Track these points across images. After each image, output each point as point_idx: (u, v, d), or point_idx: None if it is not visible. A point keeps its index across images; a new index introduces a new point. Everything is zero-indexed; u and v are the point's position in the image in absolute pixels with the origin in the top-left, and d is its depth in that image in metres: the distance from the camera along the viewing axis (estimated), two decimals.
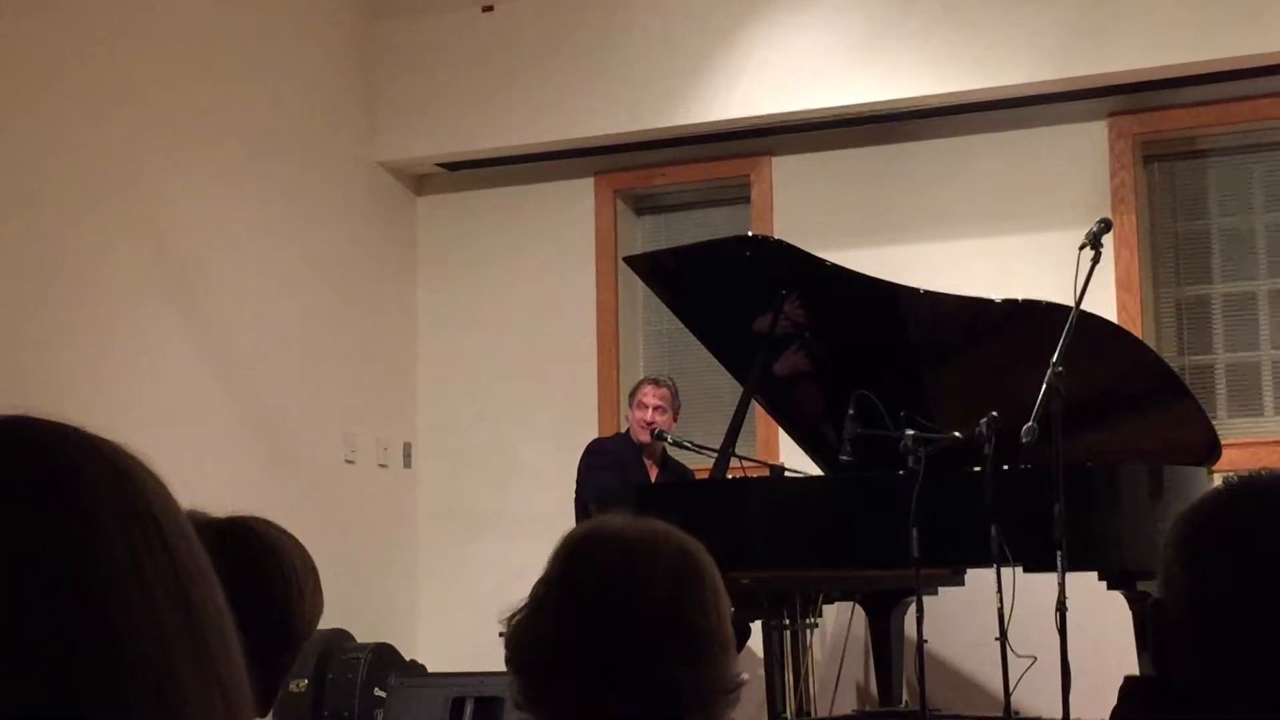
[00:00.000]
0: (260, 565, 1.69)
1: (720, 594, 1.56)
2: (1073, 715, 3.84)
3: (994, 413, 4.04)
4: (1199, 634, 1.28)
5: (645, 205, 6.89)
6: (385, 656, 5.81)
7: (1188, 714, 1.29)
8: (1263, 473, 1.33)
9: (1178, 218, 6.04)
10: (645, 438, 5.60)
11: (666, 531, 1.57)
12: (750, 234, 5.78)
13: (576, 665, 1.50)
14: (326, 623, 6.36)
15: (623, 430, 5.90)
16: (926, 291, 4.73)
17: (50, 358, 4.97)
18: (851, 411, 4.50)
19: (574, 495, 5.60)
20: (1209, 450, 4.60)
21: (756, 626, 5.03)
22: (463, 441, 6.77)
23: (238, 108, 5.92)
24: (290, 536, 1.78)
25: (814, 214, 6.27)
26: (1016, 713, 4.12)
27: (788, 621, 4.86)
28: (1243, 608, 1.26)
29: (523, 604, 1.57)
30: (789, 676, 4.88)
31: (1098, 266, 4.15)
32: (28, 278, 4.95)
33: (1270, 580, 1.26)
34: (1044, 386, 3.92)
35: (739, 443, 4.94)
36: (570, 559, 1.56)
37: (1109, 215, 4.94)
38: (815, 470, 5.28)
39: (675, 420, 5.67)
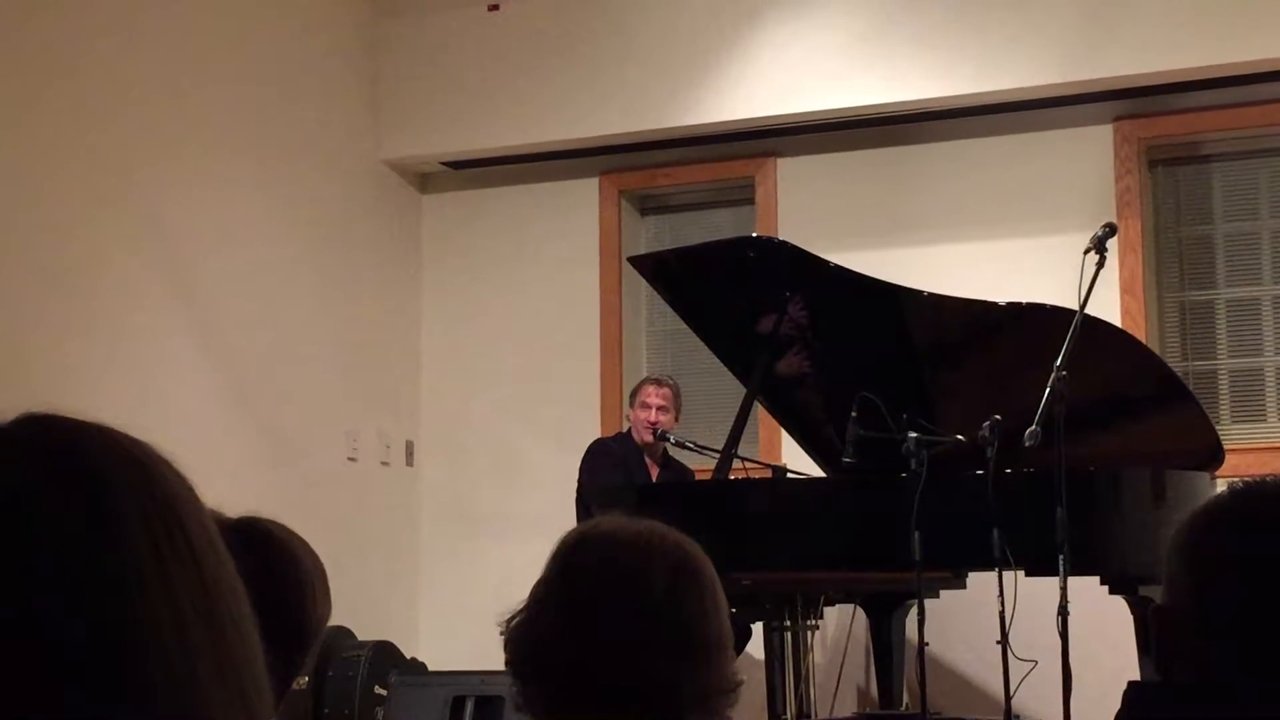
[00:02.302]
0: (275, 566, 1.69)
1: (717, 593, 1.56)
2: None
3: (997, 416, 4.04)
4: (1202, 638, 1.28)
5: (650, 205, 6.89)
6: (386, 654, 5.81)
7: (1191, 718, 1.29)
8: (1267, 479, 1.33)
9: (1182, 222, 6.03)
10: (647, 438, 5.59)
11: (663, 532, 1.57)
12: (754, 235, 5.78)
13: (575, 667, 1.50)
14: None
15: (624, 430, 5.90)
16: (930, 294, 4.72)
17: (54, 356, 4.97)
18: (854, 413, 4.49)
19: (575, 494, 5.60)
20: (1212, 455, 4.59)
21: (757, 628, 5.03)
22: (465, 440, 6.77)
23: (242, 106, 5.92)
24: (300, 538, 1.78)
25: (818, 215, 6.27)
26: (1017, 716, 4.11)
27: (789, 623, 4.86)
28: (1246, 613, 1.26)
29: (521, 606, 1.56)
30: (789, 678, 4.88)
31: (1102, 270, 4.15)
32: (31, 276, 4.95)
33: (1273, 585, 1.26)
34: (1047, 390, 3.91)
35: (741, 443, 4.94)
36: (567, 561, 1.56)
37: (1114, 219, 4.94)
38: (817, 472, 5.28)
39: (677, 420, 5.67)
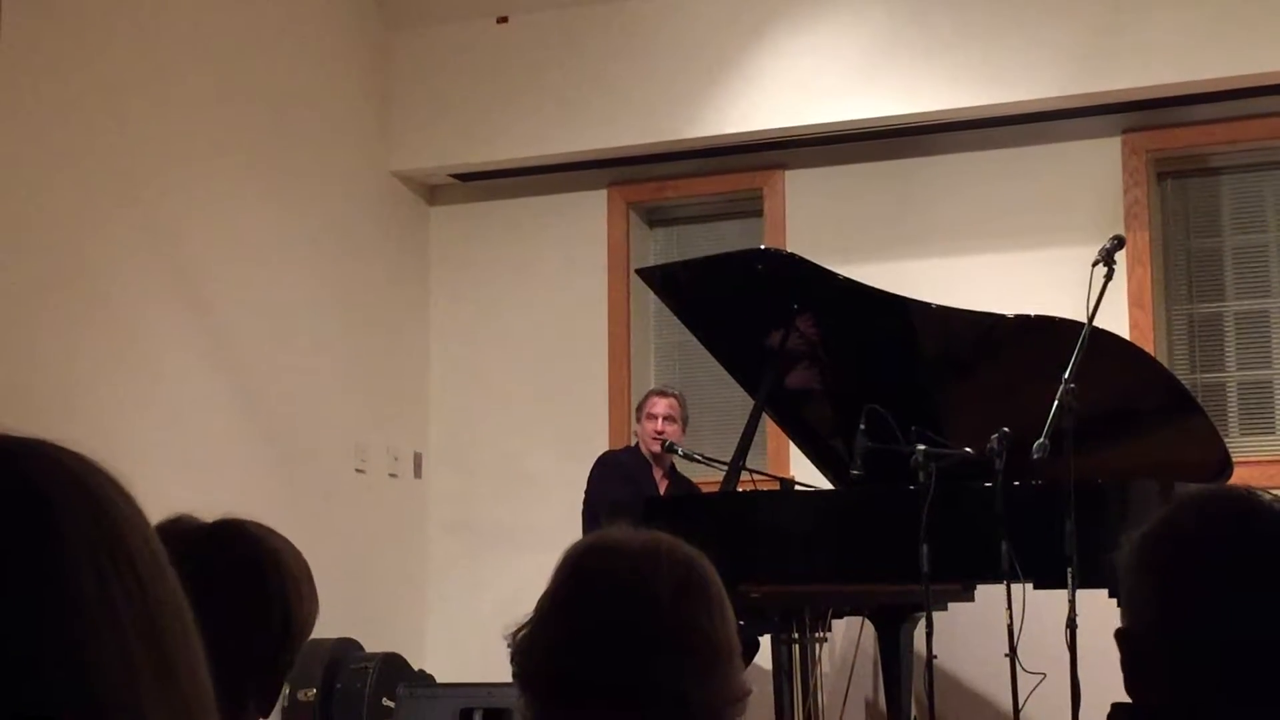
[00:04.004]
0: (259, 566, 1.69)
1: (724, 604, 1.56)
2: None
3: (1005, 428, 4.03)
4: (1170, 658, 1.27)
5: (658, 217, 6.89)
6: (394, 666, 5.81)
7: None
8: (1215, 488, 1.32)
9: (1191, 235, 6.03)
10: (655, 448, 5.59)
11: (670, 543, 1.57)
12: (762, 247, 5.77)
13: (583, 678, 1.49)
14: (335, 632, 6.29)
15: (633, 444, 5.89)
16: (938, 306, 4.72)
17: (62, 367, 4.98)
18: (863, 426, 4.49)
19: (582, 505, 5.60)
20: (1220, 468, 4.58)
21: (765, 640, 5.02)
22: (473, 452, 6.78)
23: (251, 118, 5.93)
24: (282, 537, 1.78)
25: (826, 228, 6.27)
26: None
27: (797, 635, 4.85)
28: (1210, 627, 1.25)
29: (528, 618, 1.56)
30: (797, 691, 4.87)
31: (1110, 283, 4.15)
32: (41, 288, 4.96)
33: (1233, 596, 1.25)
34: (1056, 403, 3.91)
35: (749, 456, 4.93)
36: (574, 572, 1.56)
37: (1122, 232, 4.93)
38: (825, 484, 5.27)
39: (684, 431, 5.66)
